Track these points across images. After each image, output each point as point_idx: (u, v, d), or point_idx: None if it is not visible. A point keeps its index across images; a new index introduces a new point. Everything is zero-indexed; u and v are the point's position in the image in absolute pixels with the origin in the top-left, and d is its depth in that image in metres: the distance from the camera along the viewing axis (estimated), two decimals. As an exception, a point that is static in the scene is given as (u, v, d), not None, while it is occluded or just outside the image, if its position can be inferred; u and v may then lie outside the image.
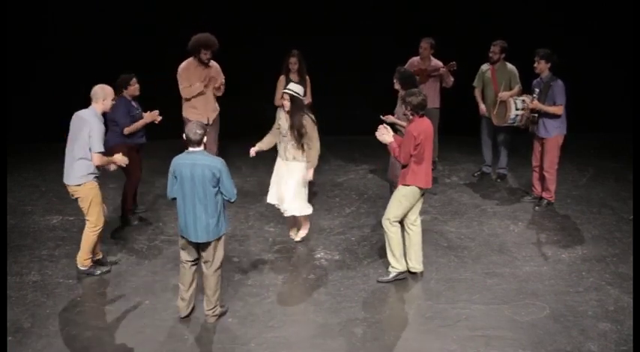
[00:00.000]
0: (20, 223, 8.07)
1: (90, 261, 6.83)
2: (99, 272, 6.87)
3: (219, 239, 5.88)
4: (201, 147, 5.79)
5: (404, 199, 6.53)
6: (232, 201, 5.90)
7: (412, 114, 6.46)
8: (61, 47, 10.58)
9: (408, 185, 6.50)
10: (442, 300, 6.43)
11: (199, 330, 5.98)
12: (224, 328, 6.01)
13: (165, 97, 8.73)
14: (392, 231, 6.60)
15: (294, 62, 8.58)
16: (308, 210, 7.33)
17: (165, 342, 5.81)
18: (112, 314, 6.27)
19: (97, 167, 6.55)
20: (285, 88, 7.10)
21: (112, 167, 6.84)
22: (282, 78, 8.64)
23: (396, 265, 6.69)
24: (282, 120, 7.15)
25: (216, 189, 5.75)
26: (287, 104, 7.01)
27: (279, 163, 7.32)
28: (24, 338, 5.85)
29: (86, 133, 6.42)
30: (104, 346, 5.79)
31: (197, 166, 5.69)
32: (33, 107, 10.68)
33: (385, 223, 6.63)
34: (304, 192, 7.27)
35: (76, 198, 6.67)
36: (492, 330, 5.96)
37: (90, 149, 6.44)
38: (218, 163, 5.75)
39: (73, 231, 7.85)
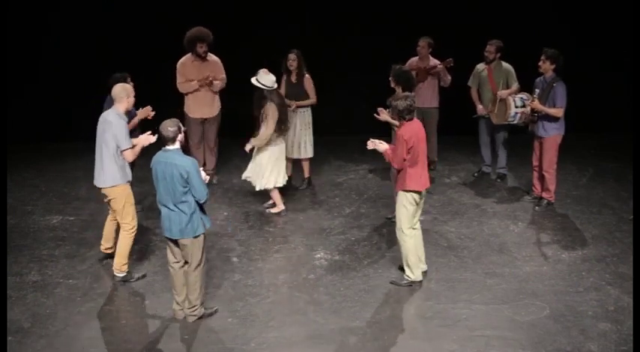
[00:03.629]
0: (20, 223, 8.07)
1: (127, 266, 6.73)
2: (136, 277, 6.77)
3: (195, 238, 5.87)
4: (176, 146, 5.80)
5: (408, 205, 6.48)
6: (202, 201, 5.88)
7: (399, 119, 6.39)
8: (62, 47, 10.58)
9: (408, 190, 6.47)
10: (442, 300, 6.43)
11: (199, 330, 5.97)
12: (224, 328, 6.01)
13: (166, 98, 8.74)
14: (405, 241, 6.55)
15: (292, 59, 8.61)
16: (269, 185, 8.04)
17: (165, 342, 5.81)
18: (112, 314, 6.27)
19: (131, 162, 6.62)
20: (253, 77, 7.71)
21: (152, 139, 6.69)
22: (284, 78, 8.71)
23: (410, 274, 6.65)
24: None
25: (186, 188, 5.76)
26: None
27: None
28: (24, 338, 5.85)
29: (110, 135, 6.44)
30: (104, 346, 5.79)
31: (168, 165, 5.73)
32: (33, 107, 10.68)
33: (399, 234, 6.58)
34: (269, 169, 7.98)
35: (108, 201, 6.65)
36: (492, 330, 5.96)
37: (119, 149, 6.47)
38: (187, 164, 5.75)
39: (73, 231, 7.86)
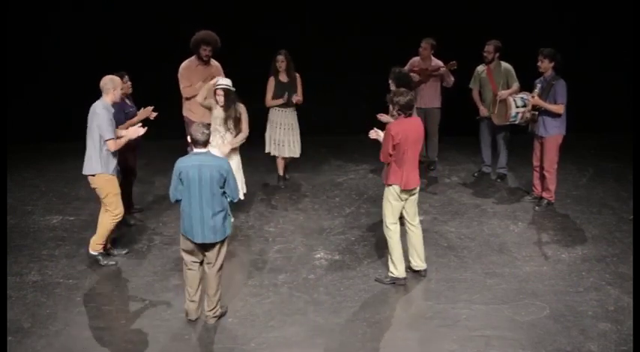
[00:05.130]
0: (20, 223, 8.07)
1: (102, 246, 6.99)
2: (105, 262, 7.01)
3: (223, 240, 5.89)
4: (207, 148, 5.81)
5: (391, 198, 6.51)
6: (235, 201, 5.97)
7: (399, 114, 6.42)
8: (62, 47, 10.58)
9: (390, 184, 6.49)
10: (442, 300, 6.43)
11: (199, 330, 5.97)
12: (224, 328, 6.01)
13: (166, 98, 8.74)
14: (389, 236, 6.58)
15: (281, 60, 8.63)
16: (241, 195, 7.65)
17: (165, 342, 5.81)
18: (112, 314, 6.27)
19: (115, 154, 6.76)
20: (219, 84, 7.49)
21: (141, 131, 6.87)
22: (272, 78, 8.72)
23: (393, 270, 6.66)
24: (218, 112, 7.54)
25: (223, 189, 5.77)
26: (222, 99, 7.47)
27: None
28: (24, 338, 5.84)
29: (95, 125, 6.62)
30: (104, 346, 5.79)
31: (204, 168, 5.69)
32: (33, 107, 10.68)
33: (384, 228, 6.63)
34: (240, 178, 7.65)
35: (94, 189, 6.90)
36: (492, 330, 5.95)
37: (102, 139, 6.64)
38: (225, 164, 5.80)
39: (73, 231, 7.85)
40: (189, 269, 5.97)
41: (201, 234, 5.78)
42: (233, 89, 7.52)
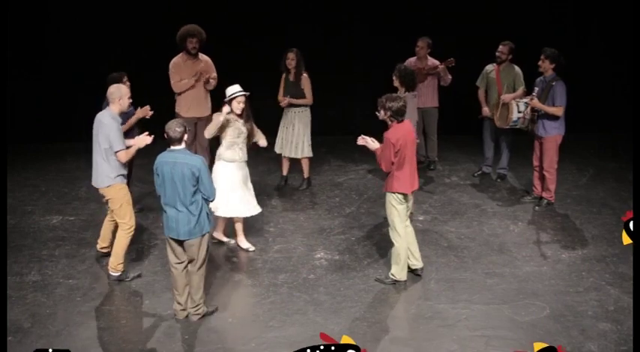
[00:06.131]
0: (20, 223, 8.07)
1: (123, 265, 6.72)
2: (131, 276, 6.76)
3: (202, 237, 5.89)
4: (182, 145, 5.82)
5: (395, 203, 6.49)
6: (211, 200, 5.94)
7: (391, 120, 6.38)
8: (62, 47, 10.58)
9: (393, 192, 6.47)
10: (442, 300, 6.43)
11: (199, 330, 5.98)
12: (224, 328, 6.01)
13: (166, 97, 8.74)
14: (396, 240, 6.56)
15: (291, 58, 8.58)
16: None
17: (165, 342, 5.81)
18: (112, 314, 6.27)
19: (125, 163, 6.56)
20: (238, 91, 6.93)
21: (148, 140, 6.64)
22: (283, 76, 8.73)
23: (396, 273, 6.65)
24: (238, 125, 7.02)
25: (196, 187, 5.78)
26: (242, 107, 6.95)
27: (233, 169, 7.04)
28: (24, 338, 5.85)
29: (104, 136, 6.44)
30: (104, 346, 5.79)
31: (177, 165, 5.73)
32: (33, 107, 10.67)
33: (392, 234, 6.59)
34: (250, 193, 7.27)
35: (106, 201, 6.68)
36: (492, 330, 5.96)
37: (111, 149, 6.45)
38: (198, 162, 5.78)
39: (73, 231, 7.85)
40: (173, 269, 6.03)
41: (175, 230, 5.82)
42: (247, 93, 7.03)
